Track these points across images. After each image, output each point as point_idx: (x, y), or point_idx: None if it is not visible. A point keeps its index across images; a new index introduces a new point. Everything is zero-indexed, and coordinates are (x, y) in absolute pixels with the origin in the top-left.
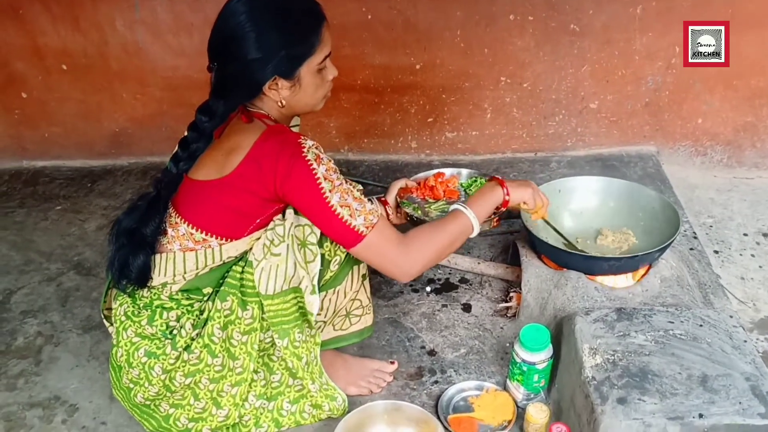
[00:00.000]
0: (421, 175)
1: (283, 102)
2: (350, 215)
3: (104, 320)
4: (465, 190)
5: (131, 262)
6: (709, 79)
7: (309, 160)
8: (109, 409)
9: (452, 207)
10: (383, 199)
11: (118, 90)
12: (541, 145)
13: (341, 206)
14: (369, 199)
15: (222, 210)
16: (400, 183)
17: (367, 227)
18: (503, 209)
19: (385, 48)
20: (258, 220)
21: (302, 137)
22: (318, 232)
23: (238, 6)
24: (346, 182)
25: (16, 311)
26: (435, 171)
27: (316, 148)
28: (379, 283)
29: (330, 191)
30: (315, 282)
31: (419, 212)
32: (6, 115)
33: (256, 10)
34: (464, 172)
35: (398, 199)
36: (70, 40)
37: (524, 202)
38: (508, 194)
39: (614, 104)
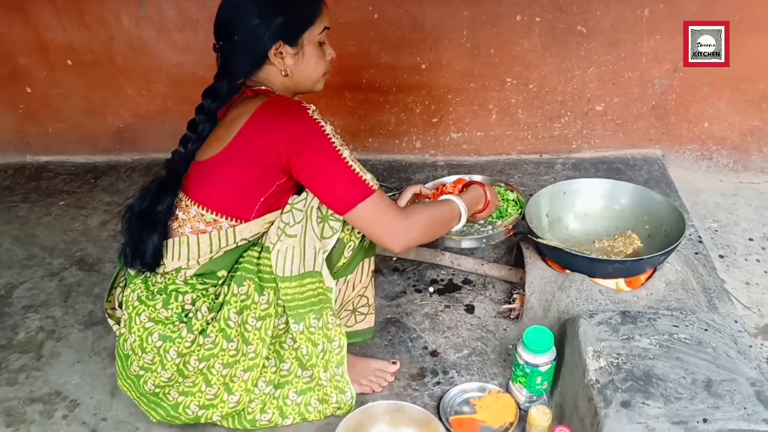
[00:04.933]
0: (438, 181)
1: (287, 71)
2: (361, 169)
3: (108, 318)
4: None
5: (145, 241)
6: (717, 83)
7: (316, 119)
8: (110, 405)
9: (444, 197)
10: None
11: (123, 86)
12: (546, 146)
13: (352, 160)
14: None
15: (227, 186)
16: (415, 189)
17: (375, 183)
18: (483, 211)
19: (390, 47)
20: (262, 199)
21: (304, 102)
22: None
23: None
24: None
25: (18, 306)
26: (455, 177)
27: (318, 113)
28: (382, 282)
29: (341, 146)
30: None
31: None
32: (10, 110)
33: None
34: (477, 178)
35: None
36: (75, 36)
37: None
38: (487, 199)
39: (620, 107)
